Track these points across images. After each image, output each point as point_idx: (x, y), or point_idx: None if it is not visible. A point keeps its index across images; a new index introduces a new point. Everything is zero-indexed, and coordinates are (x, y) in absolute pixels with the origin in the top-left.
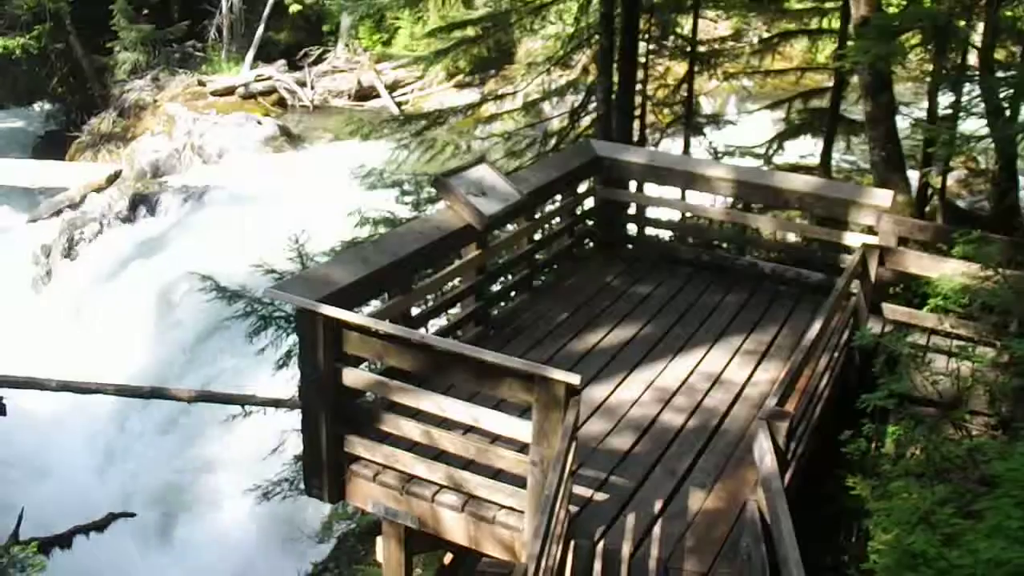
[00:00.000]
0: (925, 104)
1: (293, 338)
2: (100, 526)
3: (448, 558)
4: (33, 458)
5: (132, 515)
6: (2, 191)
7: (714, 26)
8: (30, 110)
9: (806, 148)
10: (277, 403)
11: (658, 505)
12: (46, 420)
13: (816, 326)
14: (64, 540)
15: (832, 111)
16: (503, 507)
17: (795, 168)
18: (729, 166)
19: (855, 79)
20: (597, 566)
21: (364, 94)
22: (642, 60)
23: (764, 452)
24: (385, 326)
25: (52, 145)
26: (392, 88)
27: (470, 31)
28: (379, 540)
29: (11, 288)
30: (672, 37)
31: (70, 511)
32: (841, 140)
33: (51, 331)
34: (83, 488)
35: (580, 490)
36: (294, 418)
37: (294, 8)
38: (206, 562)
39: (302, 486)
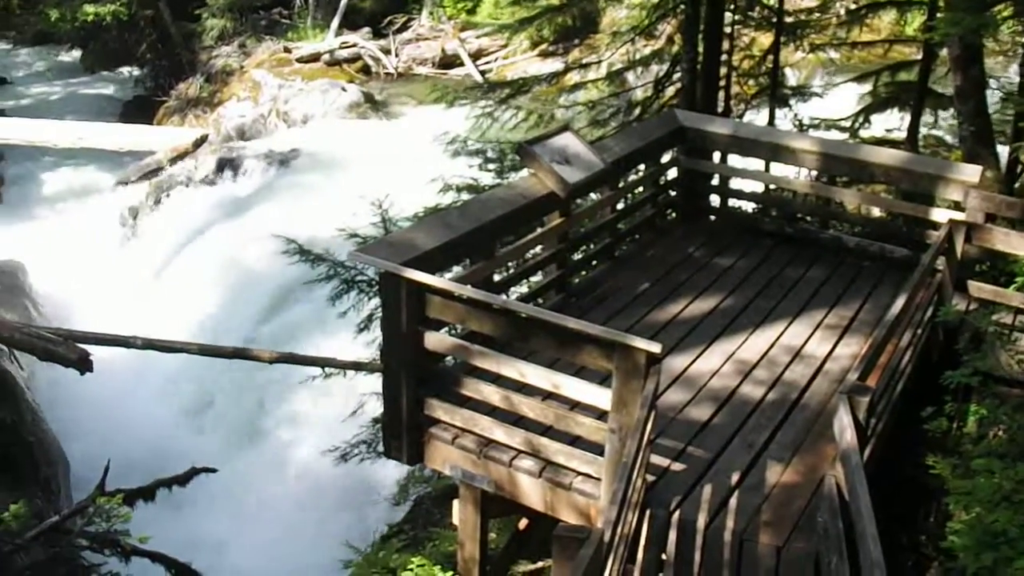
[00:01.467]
0: (1016, 78)
1: (375, 302)
2: (182, 480)
3: (523, 523)
4: (117, 413)
5: (214, 471)
6: (91, 154)
7: None
8: (119, 75)
9: (893, 122)
10: (357, 366)
11: (735, 477)
12: (130, 376)
13: (900, 302)
14: (147, 493)
15: (920, 84)
16: (580, 474)
17: (881, 142)
18: (814, 138)
19: (944, 52)
20: (672, 536)
21: (448, 62)
22: (727, 30)
23: (844, 427)
24: (468, 290)
25: (140, 110)
26: (476, 56)
27: (555, 0)
28: (455, 503)
29: (99, 248)
30: (758, 7)
31: (152, 465)
32: (929, 114)
33: (136, 290)
34: (164, 443)
35: (657, 459)
36: (373, 381)
37: None
38: (281, 521)
39: (380, 448)
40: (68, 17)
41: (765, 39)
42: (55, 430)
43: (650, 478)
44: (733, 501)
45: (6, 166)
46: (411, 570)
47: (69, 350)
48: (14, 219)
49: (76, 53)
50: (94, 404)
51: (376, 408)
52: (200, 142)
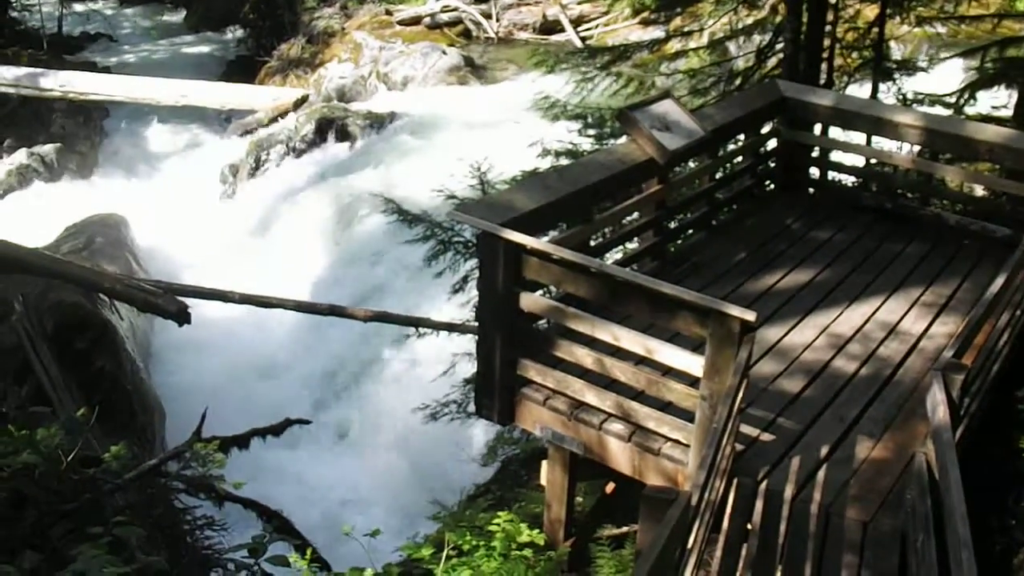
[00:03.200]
0: None
1: (470, 263)
2: (277, 430)
3: (610, 487)
4: (214, 364)
5: (307, 422)
6: (193, 112)
7: None
8: (222, 35)
9: (1001, 99)
10: (451, 327)
11: (824, 450)
12: (227, 330)
13: (999, 281)
14: (242, 441)
15: None
16: (669, 440)
17: (987, 119)
18: (918, 113)
19: None
20: (758, 505)
21: (548, 28)
22: (832, 1)
23: (937, 404)
24: (565, 252)
25: (242, 69)
26: (577, 23)
27: None
28: (544, 465)
29: (198, 204)
30: None
31: (245, 414)
32: None
33: (235, 246)
34: (256, 395)
35: (747, 429)
36: (465, 342)
37: None
38: (368, 475)
39: (469, 409)
40: None
41: (870, 11)
42: (152, 380)
43: (739, 447)
44: (821, 474)
45: (110, 122)
46: (498, 524)
47: (168, 302)
48: (117, 174)
49: (180, 13)
50: (193, 355)
51: (467, 369)
52: (301, 102)
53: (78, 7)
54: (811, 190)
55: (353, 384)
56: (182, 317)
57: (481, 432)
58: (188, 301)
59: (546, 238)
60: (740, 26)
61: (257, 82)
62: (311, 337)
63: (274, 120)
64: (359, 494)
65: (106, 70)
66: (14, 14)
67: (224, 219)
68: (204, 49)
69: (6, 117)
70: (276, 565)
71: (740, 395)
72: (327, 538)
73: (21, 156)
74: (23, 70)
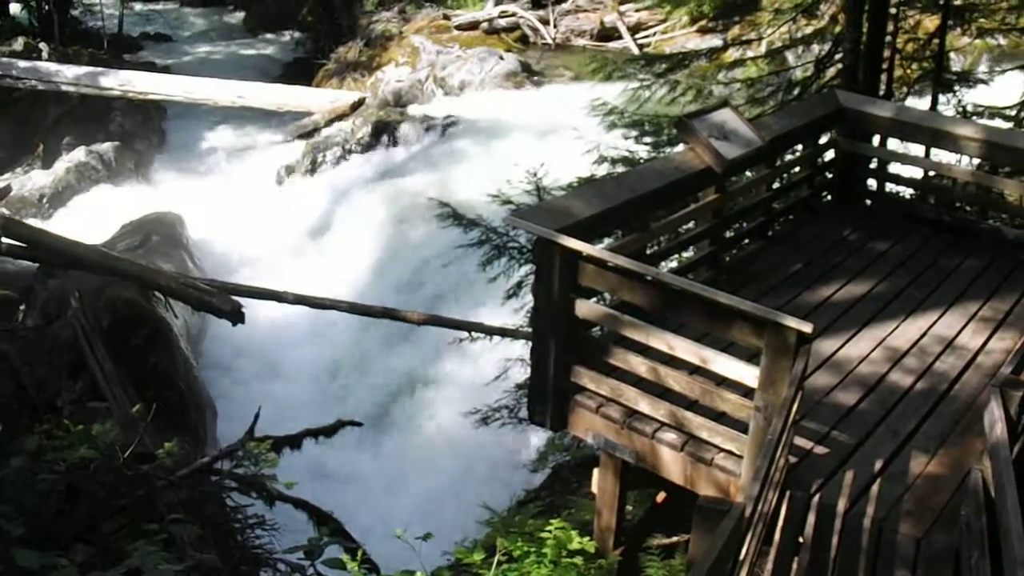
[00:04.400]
0: None
1: (524, 269)
2: (329, 431)
3: (661, 496)
4: (266, 364)
5: (359, 424)
6: (251, 113)
7: None
8: (280, 37)
9: None
10: (504, 332)
11: (878, 464)
12: (281, 330)
13: None
14: (295, 441)
15: None
16: (722, 450)
17: None
18: (978, 125)
19: None
20: (811, 518)
21: (606, 35)
22: (892, 11)
23: (994, 420)
24: (621, 260)
25: (299, 72)
26: (634, 30)
27: None
28: (595, 472)
29: (254, 205)
30: None
31: (297, 415)
32: None
33: (289, 247)
34: (310, 395)
35: (800, 441)
36: (518, 348)
37: None
38: (418, 478)
39: (521, 414)
40: None
41: (931, 22)
42: (204, 378)
43: (792, 460)
44: (875, 489)
45: (168, 122)
46: (549, 531)
47: (223, 301)
48: (174, 173)
49: (239, 15)
50: (245, 355)
51: (519, 374)
52: (357, 105)
53: (138, 7)
54: (868, 202)
55: (404, 387)
56: (236, 316)
57: (532, 438)
58: (242, 300)
59: (601, 245)
60: (799, 35)
61: (314, 84)
62: (363, 339)
63: (330, 122)
64: (409, 497)
65: (165, 70)
66: (75, 13)
67: (279, 220)
68: (262, 51)
69: (67, 115)
70: (331, 568)
71: (795, 407)
72: (377, 540)
73: (80, 154)
74: (84, 69)
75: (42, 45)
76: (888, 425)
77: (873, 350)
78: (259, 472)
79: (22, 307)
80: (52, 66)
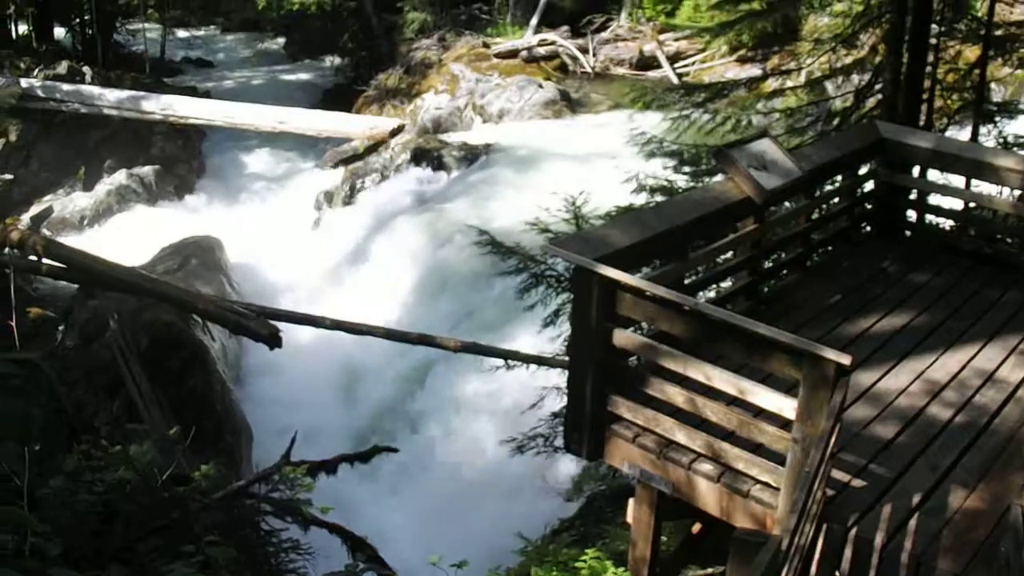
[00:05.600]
0: None
1: (562, 297)
2: (364, 456)
3: (697, 527)
4: (302, 388)
5: (395, 450)
6: (290, 138)
7: (1010, 10)
8: (320, 63)
9: None
10: (540, 360)
11: (916, 498)
12: (317, 355)
13: None
14: (330, 465)
15: None
16: (759, 482)
17: None
18: (1020, 156)
19: None
20: (848, 552)
21: (645, 64)
22: (932, 41)
23: None
24: (660, 290)
25: (339, 98)
26: (673, 59)
27: (756, 4)
28: (631, 502)
29: (293, 229)
30: (966, 19)
31: (331, 439)
32: None
33: (327, 272)
34: (345, 419)
35: (838, 474)
36: (554, 376)
37: None
38: (453, 505)
39: (556, 443)
40: (275, 5)
41: (971, 52)
42: (239, 400)
43: (829, 492)
44: (913, 523)
45: (209, 146)
46: (584, 561)
47: (260, 325)
48: (214, 197)
49: (279, 41)
50: (283, 378)
51: (555, 403)
52: (396, 132)
53: (180, 33)
54: (908, 233)
55: (440, 413)
56: (274, 341)
57: (566, 466)
58: (280, 325)
59: (639, 275)
60: (839, 65)
61: (354, 111)
62: (400, 365)
63: (370, 149)
64: (443, 524)
65: (206, 95)
66: (118, 38)
67: (317, 245)
68: (302, 77)
69: (108, 139)
70: None
71: (833, 439)
72: (411, 568)
73: (121, 177)
74: (126, 93)
75: (85, 69)
76: (927, 459)
77: (912, 383)
78: (294, 496)
79: (61, 327)
80: (95, 89)
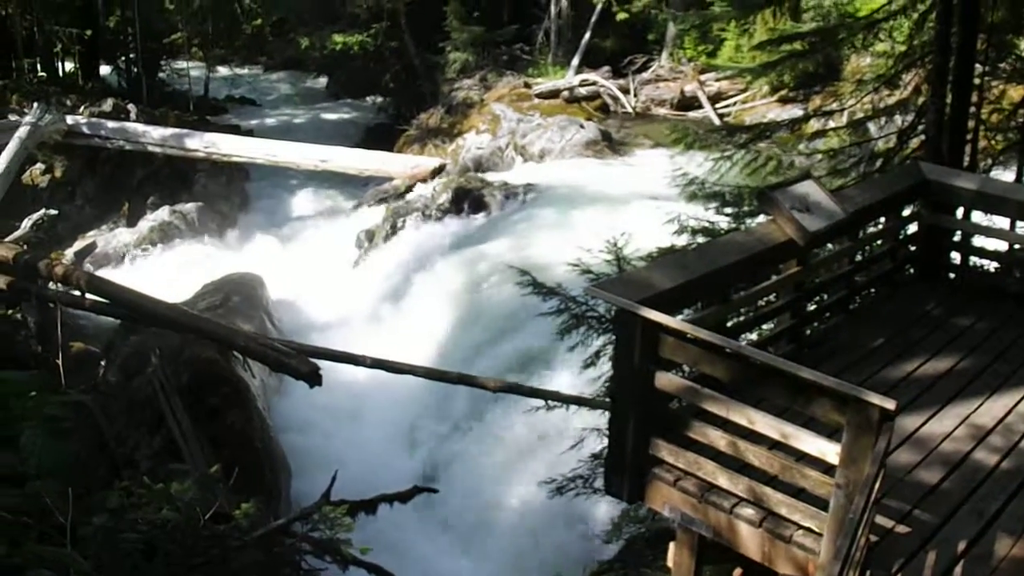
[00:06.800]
0: None
1: (603, 338)
2: (404, 497)
3: (738, 572)
4: (342, 427)
5: (435, 491)
6: (332, 177)
7: None
8: (362, 103)
9: None
10: (581, 401)
11: (961, 546)
12: (357, 394)
13: None
14: (370, 505)
15: None
16: (801, 527)
17: None
18: None
19: None
20: None
21: (686, 104)
22: (976, 82)
23: None
24: (703, 333)
25: (381, 137)
26: (714, 99)
27: (798, 45)
28: (671, 546)
29: (334, 267)
30: (1010, 59)
31: (371, 478)
32: None
33: (368, 310)
34: (384, 458)
35: (882, 520)
36: (594, 417)
37: (621, 16)
38: (490, 548)
39: (596, 484)
40: (317, 45)
41: (1015, 92)
42: (279, 438)
43: (873, 538)
44: (958, 571)
45: (251, 184)
46: None
47: (301, 363)
48: (256, 234)
49: (322, 80)
50: (322, 416)
51: (595, 444)
52: (438, 171)
53: (224, 71)
54: (952, 275)
55: (479, 454)
56: (314, 379)
57: (604, 508)
58: (320, 363)
59: (681, 317)
60: (881, 106)
61: (395, 150)
62: (440, 405)
63: (411, 188)
64: (482, 563)
65: (249, 133)
66: (163, 76)
67: (358, 283)
68: (344, 116)
69: (152, 176)
70: None
71: (877, 485)
72: None
73: (164, 213)
74: (170, 130)
75: (130, 106)
76: (972, 505)
77: (957, 427)
78: (334, 536)
79: (103, 362)
80: (139, 127)
